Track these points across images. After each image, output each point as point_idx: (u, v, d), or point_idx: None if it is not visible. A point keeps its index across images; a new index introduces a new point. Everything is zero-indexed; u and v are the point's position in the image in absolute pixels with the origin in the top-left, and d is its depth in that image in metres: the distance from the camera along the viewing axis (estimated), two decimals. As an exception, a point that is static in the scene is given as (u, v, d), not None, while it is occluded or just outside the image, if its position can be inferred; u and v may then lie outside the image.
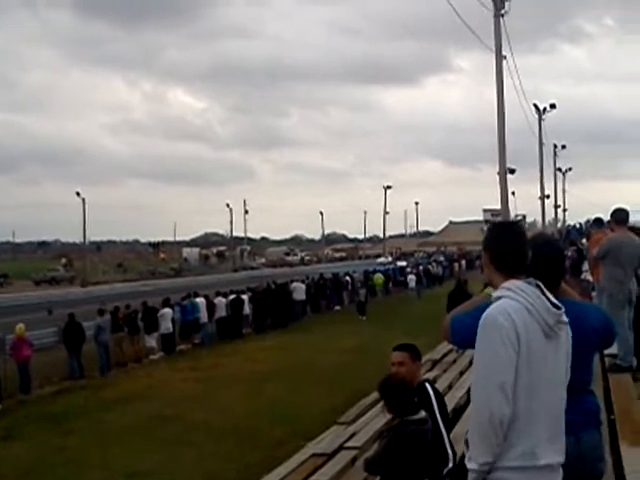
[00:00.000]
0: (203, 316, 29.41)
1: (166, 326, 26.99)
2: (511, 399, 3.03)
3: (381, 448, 5.62)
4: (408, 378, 5.64)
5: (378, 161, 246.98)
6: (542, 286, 3.21)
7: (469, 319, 3.60)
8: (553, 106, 50.99)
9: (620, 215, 9.37)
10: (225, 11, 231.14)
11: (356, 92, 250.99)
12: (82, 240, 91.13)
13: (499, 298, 3.17)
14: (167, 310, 27.50)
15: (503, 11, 24.71)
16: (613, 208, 9.65)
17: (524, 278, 3.25)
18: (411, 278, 51.96)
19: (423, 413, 5.42)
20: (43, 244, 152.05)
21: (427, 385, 5.95)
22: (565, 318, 3.20)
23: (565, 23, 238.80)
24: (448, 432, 5.87)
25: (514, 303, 3.11)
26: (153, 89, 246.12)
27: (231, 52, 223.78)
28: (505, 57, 25.70)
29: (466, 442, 3.25)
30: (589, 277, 13.03)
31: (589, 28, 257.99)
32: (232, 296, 31.90)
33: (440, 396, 6.06)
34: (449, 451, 5.70)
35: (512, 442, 3.07)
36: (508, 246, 3.37)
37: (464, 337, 3.74)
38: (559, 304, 3.19)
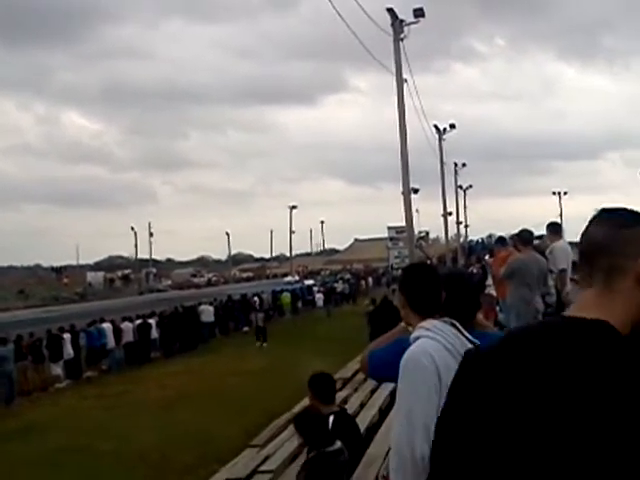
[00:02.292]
0: (110, 342, 28.94)
1: (67, 352, 26.45)
2: (431, 438, 3.09)
3: None
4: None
5: (280, 181, 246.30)
6: (457, 324, 3.30)
7: (387, 354, 3.68)
8: (453, 126, 52.12)
9: (526, 236, 9.72)
10: (114, 32, 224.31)
11: (254, 113, 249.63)
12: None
13: (417, 338, 3.24)
14: (67, 335, 27.00)
15: (402, 35, 25.11)
16: (519, 229, 9.98)
17: (440, 317, 3.33)
18: (319, 297, 52.16)
19: (339, 444, 5.44)
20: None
21: (342, 416, 5.97)
22: None
23: (458, 42, 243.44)
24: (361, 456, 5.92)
25: (434, 343, 3.18)
26: (46, 111, 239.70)
27: (124, 74, 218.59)
28: (406, 80, 26.13)
29: (384, 479, 3.30)
30: (492, 292, 13.35)
31: (481, 48, 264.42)
32: (139, 321, 31.47)
33: (345, 425, 6.09)
34: None
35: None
36: (423, 287, 3.46)
37: (382, 371, 3.82)
38: (475, 340, 3.28)
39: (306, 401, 6.91)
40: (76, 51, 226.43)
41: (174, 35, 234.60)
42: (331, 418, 6.02)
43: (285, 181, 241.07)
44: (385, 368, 3.59)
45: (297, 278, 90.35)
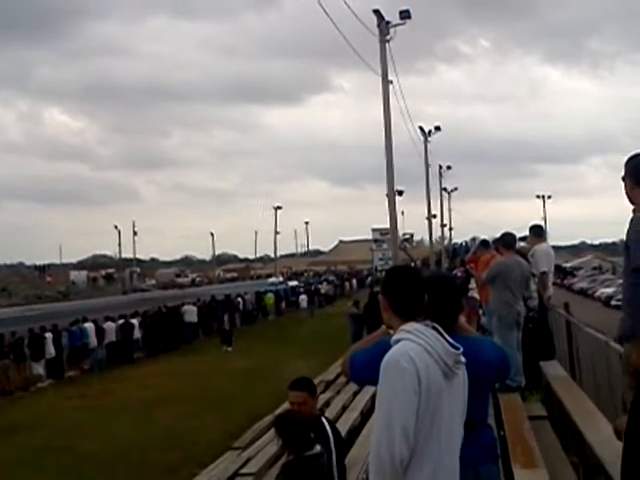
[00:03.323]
0: (92, 341, 28.80)
1: (49, 351, 26.33)
2: (412, 441, 3.09)
3: None
4: (307, 415, 5.61)
5: (264, 181, 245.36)
6: (439, 328, 3.30)
7: (368, 356, 3.68)
8: (438, 128, 52.08)
9: (508, 239, 9.74)
10: (97, 28, 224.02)
11: (238, 112, 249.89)
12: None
13: (399, 340, 3.23)
14: (48, 335, 26.89)
15: (388, 37, 25.09)
16: (501, 233, 10.00)
17: (422, 320, 3.33)
18: (302, 298, 52.15)
19: (318, 447, 5.41)
20: None
21: (324, 419, 5.94)
22: (462, 358, 3.28)
23: (443, 44, 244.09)
24: (343, 460, 5.88)
25: (415, 345, 3.17)
26: (27, 108, 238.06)
27: (106, 70, 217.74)
28: (392, 82, 26.08)
29: None
30: (476, 295, 13.40)
31: (465, 49, 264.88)
32: (121, 320, 31.35)
33: (336, 429, 6.04)
34: None
35: (407, 479, 3.13)
36: (405, 291, 3.44)
37: (363, 374, 3.82)
38: (456, 344, 3.27)
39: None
40: (58, 48, 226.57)
41: (157, 32, 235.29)
42: (324, 420, 5.94)
43: (269, 181, 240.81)
44: (366, 371, 3.59)
45: (281, 279, 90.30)
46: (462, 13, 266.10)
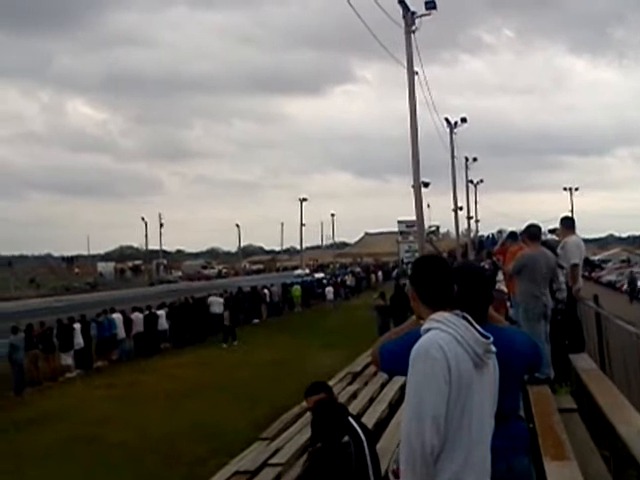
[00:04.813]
0: (120, 332, 28.99)
1: (77, 342, 26.55)
2: (442, 430, 3.08)
3: (303, 472, 5.61)
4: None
5: (287, 173, 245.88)
6: (469, 317, 3.28)
7: (398, 347, 3.65)
8: (464, 120, 51.81)
9: (533, 231, 9.66)
10: (116, 18, 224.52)
11: (259, 103, 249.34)
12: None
13: (428, 330, 3.22)
14: (77, 325, 27.11)
15: (414, 27, 24.96)
16: (526, 224, 9.93)
17: (451, 310, 3.31)
18: (329, 290, 52.15)
19: (347, 437, 5.42)
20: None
21: (352, 420, 5.87)
22: (493, 347, 3.26)
23: (466, 34, 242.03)
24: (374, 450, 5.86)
25: (444, 335, 3.15)
26: (50, 100, 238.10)
27: (127, 61, 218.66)
28: (417, 73, 25.97)
29: (394, 473, 3.28)
30: (503, 287, 13.34)
31: (489, 39, 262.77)
32: (147, 312, 31.50)
33: (362, 424, 5.99)
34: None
35: (438, 469, 3.11)
36: (434, 280, 3.43)
37: (393, 365, 3.80)
38: (487, 333, 3.25)
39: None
40: (79, 38, 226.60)
41: (178, 22, 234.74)
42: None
43: (292, 173, 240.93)
44: (396, 361, 3.57)
45: (307, 271, 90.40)
46: (485, 2, 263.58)
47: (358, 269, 79.77)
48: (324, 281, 61.13)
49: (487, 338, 3.22)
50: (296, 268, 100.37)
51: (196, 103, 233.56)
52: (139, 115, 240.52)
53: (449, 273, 3.50)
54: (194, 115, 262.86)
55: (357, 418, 6.15)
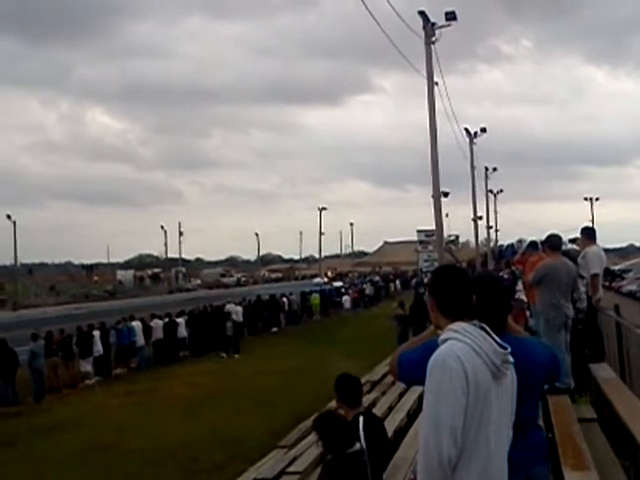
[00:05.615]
0: (139, 339, 29.05)
1: (97, 349, 26.65)
2: (459, 441, 3.07)
3: None
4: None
5: (305, 182, 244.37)
6: (487, 328, 3.26)
7: (416, 356, 3.66)
8: (484, 130, 51.66)
9: (554, 241, 9.63)
10: (134, 28, 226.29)
11: (277, 112, 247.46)
12: (13, 263, 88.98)
13: (446, 340, 3.21)
14: (96, 332, 27.20)
15: (434, 38, 24.94)
16: (547, 234, 9.89)
17: (469, 320, 3.30)
18: (346, 299, 52.10)
19: (358, 445, 5.42)
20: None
21: (360, 418, 5.94)
22: (511, 358, 3.25)
23: (484, 44, 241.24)
24: (387, 460, 5.86)
25: (462, 345, 3.14)
26: (70, 109, 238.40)
27: (146, 71, 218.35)
28: (437, 83, 25.96)
29: None
30: (523, 297, 13.28)
31: (507, 49, 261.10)
32: (166, 319, 31.56)
33: (372, 427, 6.03)
34: None
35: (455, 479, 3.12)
36: (453, 291, 3.42)
37: (411, 374, 3.80)
38: (504, 344, 3.24)
39: (334, 403, 6.90)
40: (98, 48, 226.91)
41: (196, 33, 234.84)
42: (361, 419, 5.99)
43: (310, 182, 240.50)
44: (414, 371, 3.57)
45: (326, 280, 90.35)
46: (503, 12, 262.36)
47: (377, 278, 79.64)
48: (342, 290, 61.09)
49: (505, 348, 3.22)
50: (315, 276, 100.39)
51: (214, 113, 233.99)
52: (158, 125, 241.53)
53: (468, 283, 3.48)
54: (212, 125, 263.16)
55: (370, 419, 6.18)
